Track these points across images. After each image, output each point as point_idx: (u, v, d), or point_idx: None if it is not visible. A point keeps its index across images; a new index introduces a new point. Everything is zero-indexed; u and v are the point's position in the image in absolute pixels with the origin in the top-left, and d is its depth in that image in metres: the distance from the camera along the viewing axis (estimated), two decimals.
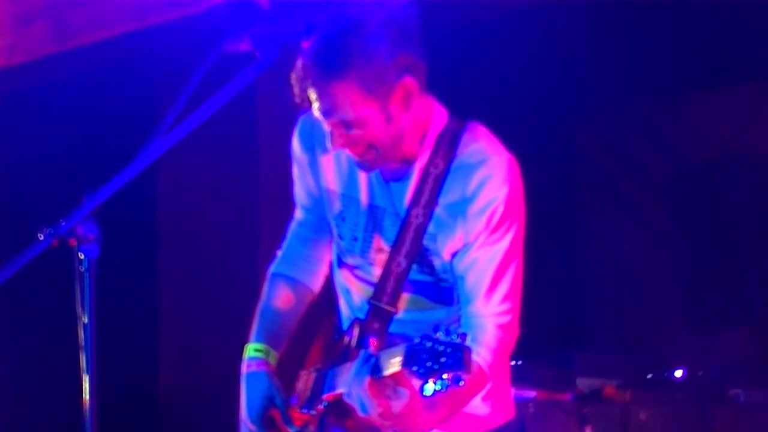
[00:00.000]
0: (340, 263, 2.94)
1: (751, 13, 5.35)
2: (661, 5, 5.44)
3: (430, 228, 2.72)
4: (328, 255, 3.03)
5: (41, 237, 2.39)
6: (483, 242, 2.68)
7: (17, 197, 5.97)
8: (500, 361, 2.73)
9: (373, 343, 2.68)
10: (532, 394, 4.65)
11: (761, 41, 5.46)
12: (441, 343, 2.31)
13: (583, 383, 4.79)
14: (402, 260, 2.74)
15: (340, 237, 2.88)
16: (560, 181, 6.33)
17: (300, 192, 3.00)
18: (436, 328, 2.34)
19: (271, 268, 3.05)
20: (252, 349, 2.91)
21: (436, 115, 2.76)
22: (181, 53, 4.44)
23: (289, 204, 3.06)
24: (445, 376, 2.31)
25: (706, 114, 6.05)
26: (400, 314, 2.78)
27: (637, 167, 6.32)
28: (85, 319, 2.38)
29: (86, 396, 2.38)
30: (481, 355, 2.64)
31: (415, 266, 2.76)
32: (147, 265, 5.81)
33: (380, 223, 2.79)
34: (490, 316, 2.69)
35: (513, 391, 3.01)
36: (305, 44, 2.62)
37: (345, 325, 2.92)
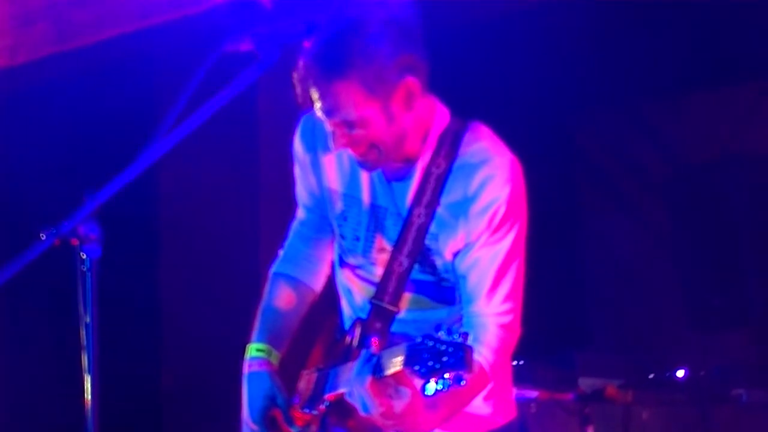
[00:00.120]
0: (342, 263, 2.95)
1: (751, 13, 5.35)
2: (661, 5, 5.44)
3: (432, 228, 2.72)
4: (330, 254, 3.03)
5: (43, 237, 2.39)
6: (485, 242, 2.68)
7: (19, 197, 5.97)
8: (502, 361, 2.73)
9: (374, 342, 2.68)
10: (534, 394, 4.65)
11: (761, 41, 5.46)
12: (443, 342, 2.31)
13: (585, 383, 4.78)
14: (404, 260, 2.74)
15: (342, 237, 2.88)
16: (560, 181, 6.33)
17: (301, 191, 3.00)
18: (438, 328, 2.34)
19: (273, 268, 3.05)
20: (254, 349, 2.91)
21: (438, 115, 2.77)
22: (182, 53, 4.44)
23: (290, 204, 3.06)
24: (446, 375, 2.31)
25: (706, 114, 6.05)
26: (401, 314, 2.78)
27: (637, 167, 6.32)
28: (87, 319, 2.38)
29: (88, 396, 2.38)
30: (482, 354, 2.64)
31: (416, 266, 2.76)
32: (148, 265, 5.81)
33: (382, 223, 2.80)
34: (491, 316, 2.69)
35: (515, 391, 3.01)
36: (306, 44, 2.62)
37: (347, 324, 2.92)
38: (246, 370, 2.90)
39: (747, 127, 5.88)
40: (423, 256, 2.75)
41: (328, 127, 2.68)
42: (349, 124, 2.63)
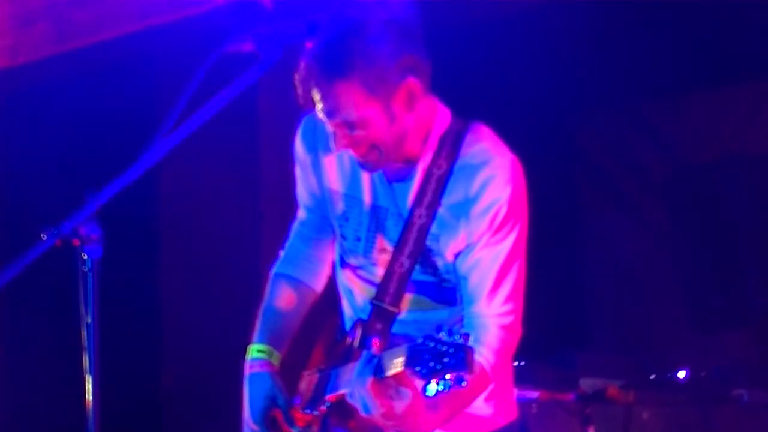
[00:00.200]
0: (343, 263, 2.95)
1: (751, 13, 5.35)
2: (661, 5, 5.44)
3: (433, 228, 2.72)
4: (331, 255, 3.03)
5: (44, 237, 2.39)
6: (486, 243, 2.68)
7: (20, 198, 5.97)
8: (503, 362, 2.73)
9: (375, 343, 2.68)
10: (535, 394, 4.65)
11: (762, 41, 5.46)
12: (444, 343, 2.31)
13: (586, 384, 4.78)
14: (405, 260, 2.74)
15: (343, 237, 2.88)
16: (560, 181, 6.33)
17: (302, 192, 3.00)
18: (439, 329, 2.34)
19: (274, 269, 3.05)
20: (255, 350, 2.91)
21: (440, 116, 2.77)
22: (182, 54, 4.43)
23: (291, 204, 3.06)
24: (447, 376, 2.31)
25: (706, 114, 6.05)
26: (402, 314, 2.78)
27: (638, 167, 6.32)
28: (88, 320, 2.38)
29: (89, 396, 2.38)
30: (483, 355, 2.64)
31: (418, 267, 2.76)
32: (149, 265, 5.81)
33: (383, 224, 2.80)
34: (492, 317, 2.69)
35: (516, 392, 3.01)
36: (308, 44, 2.62)
37: (347, 325, 2.92)
38: (247, 371, 2.90)
39: (747, 128, 5.88)
40: (424, 256, 2.75)
41: (330, 128, 2.68)
42: (351, 125, 2.63)
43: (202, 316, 5.54)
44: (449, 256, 2.73)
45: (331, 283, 3.04)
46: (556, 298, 5.89)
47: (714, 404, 5.02)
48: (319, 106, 2.64)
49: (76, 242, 2.38)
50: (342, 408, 2.69)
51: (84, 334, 2.38)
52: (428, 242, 2.73)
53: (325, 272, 3.05)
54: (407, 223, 2.73)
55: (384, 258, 2.79)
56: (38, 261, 2.42)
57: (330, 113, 2.63)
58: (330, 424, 2.75)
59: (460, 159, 2.71)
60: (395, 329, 2.77)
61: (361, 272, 2.88)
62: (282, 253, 3.07)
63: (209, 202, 5.59)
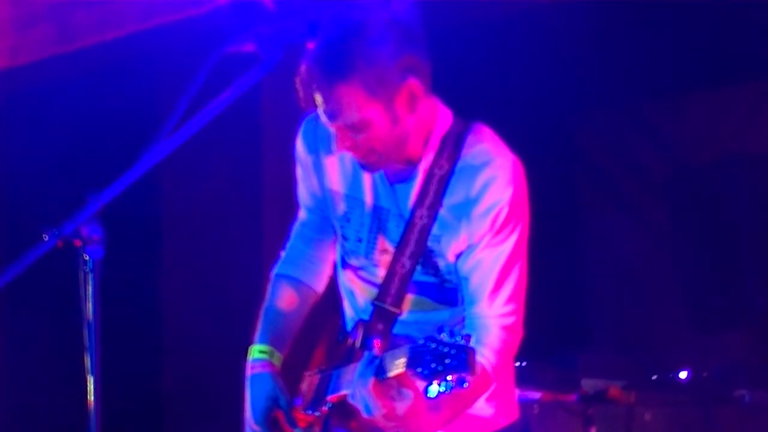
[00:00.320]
0: (344, 264, 2.95)
1: (751, 14, 5.35)
2: (662, 5, 5.44)
3: (435, 229, 2.72)
4: (332, 255, 3.03)
5: (45, 238, 2.39)
6: (487, 243, 2.68)
7: (21, 198, 5.97)
8: (504, 363, 2.73)
9: (377, 344, 2.68)
10: (536, 395, 4.64)
11: (762, 41, 5.46)
12: (445, 344, 2.31)
13: (588, 384, 4.78)
14: (406, 261, 2.74)
15: (345, 238, 2.88)
16: (561, 181, 6.33)
17: (303, 193, 3.00)
18: (440, 330, 2.34)
19: (275, 269, 3.05)
20: (256, 351, 2.91)
21: (441, 116, 2.76)
22: (183, 54, 4.43)
23: (293, 205, 3.06)
24: (449, 377, 2.31)
25: (706, 114, 6.05)
26: (404, 315, 2.78)
27: (638, 167, 6.32)
28: (90, 320, 2.38)
29: (90, 397, 2.38)
30: (485, 356, 2.64)
31: (419, 267, 2.76)
32: (151, 266, 5.81)
33: (384, 225, 2.79)
34: (494, 318, 2.69)
35: (517, 392, 3.01)
36: (310, 45, 2.62)
37: (349, 326, 2.92)
38: (249, 371, 2.90)
39: (747, 128, 5.88)
40: (425, 257, 2.75)
41: (332, 129, 2.68)
42: (353, 127, 2.63)
43: (204, 317, 5.54)
44: (451, 257, 2.73)
45: (333, 284, 3.04)
46: (557, 299, 5.89)
47: (715, 405, 5.02)
48: (321, 108, 2.64)
49: (78, 243, 2.38)
50: (343, 409, 2.69)
51: (85, 334, 2.37)
52: (430, 243, 2.73)
53: (326, 273, 3.05)
54: (408, 224, 2.73)
55: (385, 259, 2.79)
56: (39, 261, 2.42)
57: (332, 116, 2.63)
58: (331, 425, 2.75)
59: (461, 160, 2.71)
60: (397, 330, 2.78)
61: (362, 273, 2.88)
62: (283, 254, 3.07)
63: (211, 202, 5.59)
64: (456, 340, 2.31)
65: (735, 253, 5.59)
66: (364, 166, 2.74)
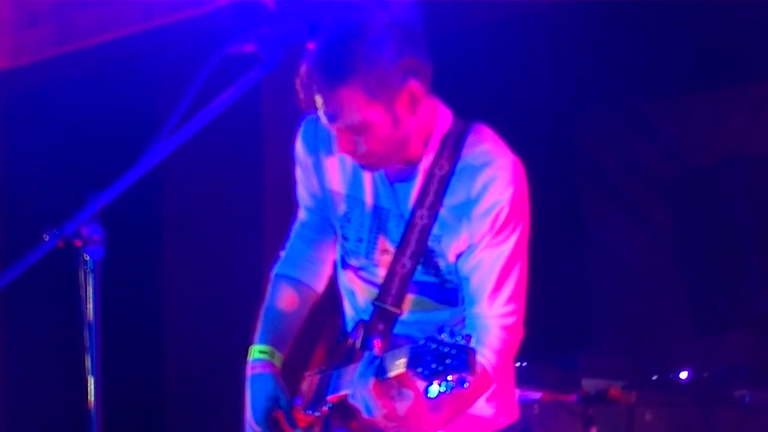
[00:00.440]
0: (344, 264, 2.95)
1: (754, 14, 5.35)
2: (662, 5, 5.44)
3: (435, 229, 2.72)
4: (331, 255, 3.03)
5: (46, 238, 2.38)
6: (488, 243, 2.68)
7: (22, 198, 5.98)
8: (505, 363, 2.73)
9: (377, 344, 2.68)
10: (537, 395, 4.64)
11: (763, 42, 5.46)
12: (445, 344, 2.32)
13: (588, 384, 4.78)
14: (407, 261, 2.74)
15: (345, 238, 2.88)
16: (562, 182, 6.32)
17: (303, 193, 3.00)
18: (441, 330, 2.34)
19: (274, 269, 3.05)
20: (257, 351, 2.91)
21: (441, 117, 2.76)
22: (184, 55, 4.45)
23: (293, 205, 3.06)
24: (449, 377, 2.31)
25: (708, 115, 6.04)
26: (404, 315, 2.78)
27: (639, 168, 6.32)
28: (90, 320, 2.38)
29: (91, 397, 2.38)
30: (485, 356, 2.64)
31: (420, 267, 2.76)
32: (151, 266, 5.81)
33: (385, 225, 2.79)
34: (494, 318, 2.69)
35: (518, 393, 3.01)
36: (310, 45, 2.62)
37: (349, 326, 2.92)
38: (249, 372, 2.90)
39: (749, 128, 5.88)
40: (426, 257, 2.75)
41: (333, 131, 2.68)
42: (353, 129, 2.63)
43: (204, 317, 5.54)
44: (451, 257, 2.73)
45: (333, 284, 3.04)
46: (558, 299, 5.89)
47: (716, 405, 5.02)
48: (322, 110, 2.64)
49: (78, 243, 2.38)
50: (344, 409, 2.69)
51: (86, 334, 2.37)
52: (430, 243, 2.73)
53: (325, 272, 3.05)
54: (409, 224, 2.73)
55: (386, 259, 2.79)
56: (40, 262, 2.42)
57: (332, 117, 2.63)
58: (332, 425, 2.75)
59: (461, 160, 2.71)
60: (397, 330, 2.77)
61: (362, 273, 2.88)
62: (282, 254, 3.07)
63: (211, 202, 5.59)
64: (456, 341, 2.31)
65: (736, 254, 5.59)
66: (364, 166, 2.74)
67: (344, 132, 2.64)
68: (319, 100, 2.63)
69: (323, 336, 2.98)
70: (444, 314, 2.80)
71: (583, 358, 5.02)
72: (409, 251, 2.74)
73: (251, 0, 4.95)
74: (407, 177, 2.76)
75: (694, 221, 5.79)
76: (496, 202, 2.66)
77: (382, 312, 2.77)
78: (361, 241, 2.84)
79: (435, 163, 2.72)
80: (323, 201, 2.92)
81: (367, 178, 2.80)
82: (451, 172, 2.71)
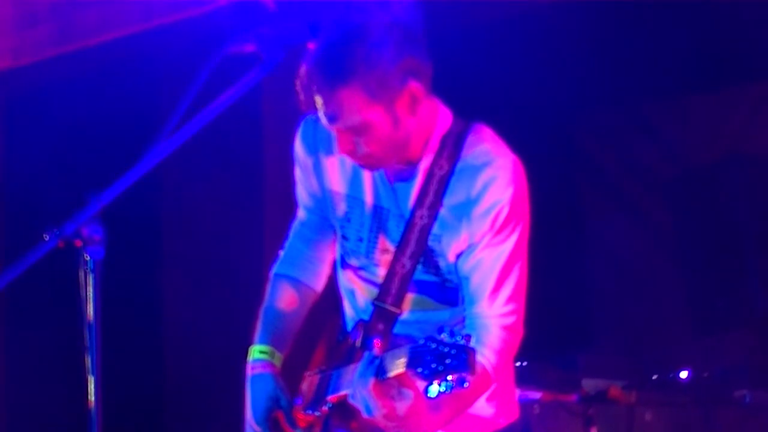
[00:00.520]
0: (344, 264, 2.95)
1: (754, 14, 5.35)
2: (662, 5, 5.44)
3: (435, 229, 2.72)
4: (331, 255, 3.03)
5: (46, 238, 2.39)
6: (488, 243, 2.68)
7: (22, 198, 5.98)
8: (505, 363, 2.73)
9: (377, 344, 2.68)
10: (537, 395, 4.64)
11: (764, 42, 5.46)
12: (445, 344, 2.32)
13: (588, 384, 4.78)
14: (407, 261, 2.74)
15: (345, 238, 2.88)
16: (561, 181, 6.32)
17: (302, 193, 3.00)
18: (441, 330, 2.34)
19: (274, 269, 3.05)
20: (257, 351, 2.91)
21: (441, 117, 2.77)
22: (185, 55, 4.45)
23: (293, 205, 3.06)
24: (449, 377, 2.31)
25: (709, 115, 6.04)
26: (404, 315, 2.78)
27: (640, 168, 6.31)
28: (90, 320, 2.38)
29: (91, 397, 2.38)
30: (485, 356, 2.64)
31: (420, 267, 2.76)
32: (152, 266, 5.81)
33: (385, 224, 2.80)
34: (494, 317, 2.69)
35: (518, 392, 3.01)
36: (311, 46, 2.62)
37: (349, 326, 2.92)
38: (249, 372, 2.90)
39: (749, 128, 5.88)
40: (426, 257, 2.75)
41: (333, 132, 2.68)
42: (353, 129, 2.63)
43: (204, 317, 5.54)
44: (451, 257, 2.74)
45: (332, 284, 3.04)
46: (558, 299, 5.89)
47: (716, 405, 5.01)
48: (322, 111, 2.64)
49: (79, 243, 2.38)
50: (344, 409, 2.69)
51: (86, 334, 2.37)
52: (430, 243, 2.73)
53: (325, 272, 3.05)
54: (409, 224, 2.73)
55: (386, 258, 2.79)
56: (40, 262, 2.42)
57: (332, 118, 2.63)
58: (332, 425, 2.75)
59: (461, 160, 2.71)
60: (397, 330, 2.78)
61: (362, 273, 2.88)
62: (281, 254, 3.07)
63: (212, 203, 5.59)
64: (456, 340, 2.31)
65: (736, 254, 5.59)
66: (364, 167, 2.74)
67: (344, 133, 2.64)
68: (319, 100, 2.63)
69: (323, 336, 2.98)
70: (444, 314, 2.80)
71: (583, 358, 5.02)
72: (409, 251, 2.74)
73: (251, 0, 4.95)
74: (407, 177, 2.76)
75: (694, 221, 5.79)
76: (496, 201, 2.66)
77: (382, 312, 2.77)
78: (361, 240, 2.84)
79: (435, 163, 2.72)
80: (323, 201, 2.92)
81: (367, 177, 2.80)
82: (450, 172, 2.71)
